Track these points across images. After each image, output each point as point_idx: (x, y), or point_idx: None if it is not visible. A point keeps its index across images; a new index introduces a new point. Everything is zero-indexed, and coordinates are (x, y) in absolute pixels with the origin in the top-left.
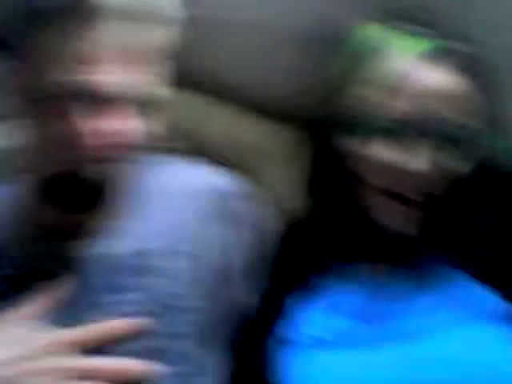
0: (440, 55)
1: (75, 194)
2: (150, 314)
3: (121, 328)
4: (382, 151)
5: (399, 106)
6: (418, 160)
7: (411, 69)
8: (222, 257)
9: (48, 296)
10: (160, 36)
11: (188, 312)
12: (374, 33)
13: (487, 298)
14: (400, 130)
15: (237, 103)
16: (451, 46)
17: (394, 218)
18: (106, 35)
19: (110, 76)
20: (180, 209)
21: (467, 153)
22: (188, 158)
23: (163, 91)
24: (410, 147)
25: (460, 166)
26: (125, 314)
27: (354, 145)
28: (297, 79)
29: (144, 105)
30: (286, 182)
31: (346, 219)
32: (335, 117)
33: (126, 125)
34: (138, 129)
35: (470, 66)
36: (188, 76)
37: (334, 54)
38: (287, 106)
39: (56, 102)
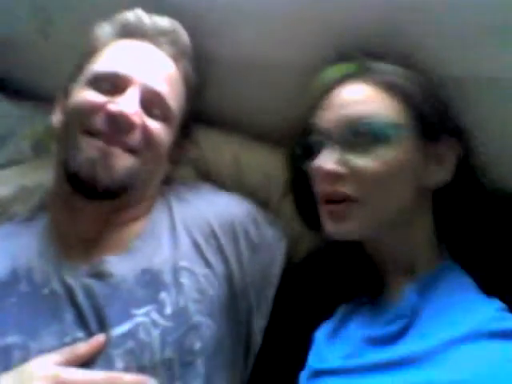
0: (356, 74)
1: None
2: (160, 327)
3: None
4: (314, 162)
5: (326, 118)
6: (328, 158)
7: (334, 87)
8: (238, 277)
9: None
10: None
11: (197, 328)
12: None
13: (492, 312)
14: (320, 138)
15: (255, 135)
16: (372, 66)
17: (331, 221)
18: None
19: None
20: (198, 231)
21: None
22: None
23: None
24: (326, 150)
25: (372, 163)
26: (136, 328)
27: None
28: None
29: (169, 119)
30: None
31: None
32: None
33: (130, 106)
34: (160, 132)
35: (391, 79)
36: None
37: None
38: None
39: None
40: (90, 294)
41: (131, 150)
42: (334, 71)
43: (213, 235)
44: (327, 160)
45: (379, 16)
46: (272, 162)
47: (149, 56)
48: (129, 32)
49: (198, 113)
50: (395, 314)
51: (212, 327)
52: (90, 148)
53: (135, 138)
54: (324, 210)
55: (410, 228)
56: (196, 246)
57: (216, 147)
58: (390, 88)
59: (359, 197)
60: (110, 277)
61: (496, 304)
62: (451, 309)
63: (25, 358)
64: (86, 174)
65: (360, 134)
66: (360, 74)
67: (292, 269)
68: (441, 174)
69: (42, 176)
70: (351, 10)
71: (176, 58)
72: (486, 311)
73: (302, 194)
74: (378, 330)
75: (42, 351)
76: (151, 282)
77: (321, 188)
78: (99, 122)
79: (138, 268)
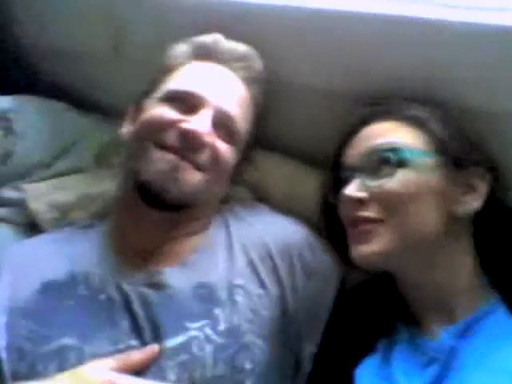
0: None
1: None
2: (213, 343)
3: None
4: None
5: (352, 153)
6: (352, 187)
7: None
8: (291, 301)
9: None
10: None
11: (249, 348)
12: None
13: None
14: (352, 169)
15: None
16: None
17: (357, 245)
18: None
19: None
20: (254, 250)
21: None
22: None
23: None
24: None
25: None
26: (190, 342)
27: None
28: None
29: (237, 141)
30: None
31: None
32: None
33: (204, 126)
34: (228, 153)
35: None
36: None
37: None
38: None
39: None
40: (145, 303)
41: (199, 168)
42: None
43: (269, 256)
44: (350, 188)
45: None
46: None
47: (223, 79)
48: (205, 54)
49: (258, 136)
50: (431, 356)
51: (263, 348)
52: (161, 160)
53: (204, 156)
54: (350, 234)
55: (444, 257)
56: (252, 265)
57: (272, 171)
58: (413, 122)
59: (383, 217)
60: (166, 288)
61: None
62: (494, 356)
63: (79, 361)
64: (156, 185)
65: (383, 161)
66: (386, 113)
67: (341, 298)
68: (471, 202)
69: (102, 186)
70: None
71: (248, 82)
72: None
73: (335, 229)
74: (416, 376)
75: (95, 355)
76: (206, 297)
77: (346, 214)
78: (172, 137)
79: (193, 282)
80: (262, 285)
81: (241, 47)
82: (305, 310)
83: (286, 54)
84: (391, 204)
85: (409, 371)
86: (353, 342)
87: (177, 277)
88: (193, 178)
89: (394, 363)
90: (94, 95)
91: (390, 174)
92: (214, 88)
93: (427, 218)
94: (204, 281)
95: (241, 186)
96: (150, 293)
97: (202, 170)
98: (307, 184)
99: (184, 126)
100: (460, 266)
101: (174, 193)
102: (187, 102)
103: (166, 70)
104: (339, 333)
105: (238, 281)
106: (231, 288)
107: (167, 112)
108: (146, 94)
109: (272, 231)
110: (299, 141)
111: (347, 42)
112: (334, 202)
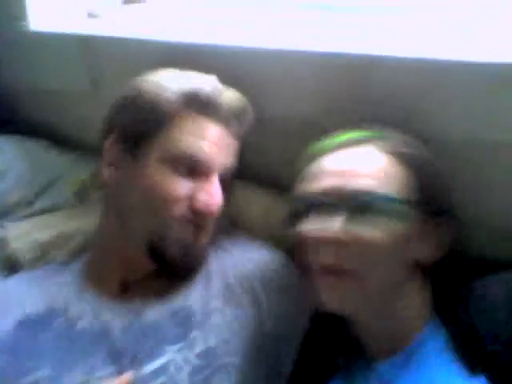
0: (363, 140)
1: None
2: (190, 364)
3: None
4: (307, 226)
5: (319, 185)
6: (330, 224)
7: (332, 152)
8: (268, 322)
9: None
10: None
11: (226, 368)
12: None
13: None
14: (318, 203)
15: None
16: (379, 134)
17: (328, 293)
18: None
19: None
20: (232, 274)
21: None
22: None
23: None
24: (325, 216)
25: (376, 233)
26: (168, 365)
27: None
28: None
29: (227, 184)
30: None
31: None
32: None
33: (216, 194)
34: (224, 204)
35: (400, 150)
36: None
37: None
38: None
39: (170, 167)
40: (124, 331)
41: (205, 226)
42: (343, 136)
43: (246, 280)
44: (330, 226)
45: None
46: None
47: (223, 138)
48: (205, 110)
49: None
50: None
51: (240, 369)
52: (182, 231)
53: (214, 218)
54: (321, 280)
55: (401, 299)
56: (229, 287)
57: (249, 200)
58: (396, 156)
59: (357, 268)
60: (144, 316)
61: None
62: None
63: None
64: (178, 255)
65: (365, 206)
66: (367, 140)
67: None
68: (435, 251)
69: (81, 222)
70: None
71: (241, 134)
72: None
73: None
74: None
75: None
76: (183, 321)
77: (320, 257)
78: (186, 210)
79: (171, 308)
80: (240, 306)
81: (238, 102)
82: (281, 330)
83: (261, 88)
84: (371, 255)
85: None
86: (321, 361)
87: (155, 305)
88: (205, 240)
89: None
90: (73, 133)
91: (372, 221)
92: (218, 150)
93: (396, 267)
94: (182, 306)
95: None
96: (128, 322)
97: (207, 228)
98: (283, 212)
99: (200, 201)
100: (414, 303)
101: (195, 264)
102: (194, 167)
103: (161, 117)
104: (309, 352)
105: (215, 303)
106: (208, 311)
107: (176, 183)
108: (134, 136)
109: (249, 257)
110: (274, 170)
111: (318, 78)
112: (297, 237)
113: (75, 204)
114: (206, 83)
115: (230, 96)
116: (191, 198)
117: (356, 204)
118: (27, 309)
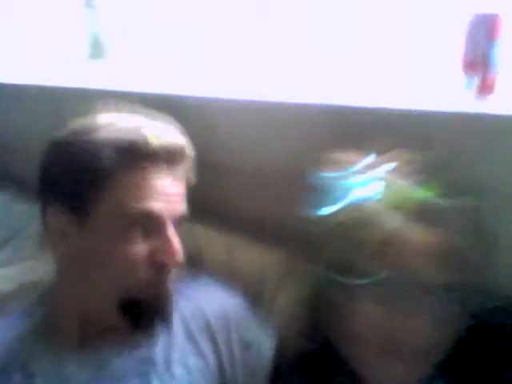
0: (428, 212)
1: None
2: None
3: None
4: (371, 306)
5: (387, 262)
6: (413, 318)
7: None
8: (229, 370)
9: None
10: (188, 175)
11: None
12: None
13: None
14: (389, 285)
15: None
16: (441, 203)
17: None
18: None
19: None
20: (194, 322)
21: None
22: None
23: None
24: (400, 305)
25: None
26: None
27: (342, 296)
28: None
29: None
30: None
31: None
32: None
33: (177, 246)
34: (181, 252)
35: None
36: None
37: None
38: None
39: (124, 229)
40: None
41: None
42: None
43: (207, 327)
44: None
45: None
46: (265, 259)
47: (169, 185)
48: (142, 160)
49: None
50: None
51: None
52: (150, 281)
53: None
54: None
55: None
56: (191, 337)
57: (209, 243)
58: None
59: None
60: (108, 368)
61: None
62: None
63: None
64: (153, 302)
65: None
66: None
67: (283, 366)
68: None
69: (43, 274)
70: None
71: (186, 173)
72: None
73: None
74: None
75: None
76: (145, 373)
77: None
78: (149, 269)
79: (134, 359)
80: (201, 356)
81: (176, 142)
82: (242, 379)
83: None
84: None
85: None
86: None
87: (118, 357)
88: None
89: None
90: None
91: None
92: (169, 202)
93: None
94: (144, 356)
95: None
96: (91, 375)
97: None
98: (244, 254)
99: (161, 260)
100: None
101: (167, 304)
102: (149, 224)
103: (102, 173)
104: None
105: (176, 354)
106: (169, 362)
107: (137, 250)
108: (75, 195)
109: (210, 303)
110: (235, 214)
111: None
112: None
113: (38, 254)
114: (139, 131)
115: (166, 139)
116: (152, 258)
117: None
118: None
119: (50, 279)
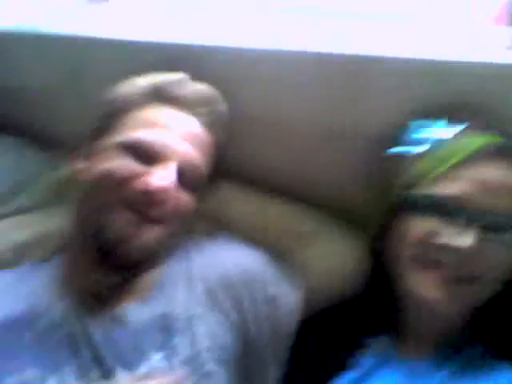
0: (495, 151)
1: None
2: (173, 372)
3: None
4: (427, 224)
5: (457, 188)
6: (464, 236)
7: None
8: (252, 327)
9: None
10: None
11: (210, 376)
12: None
13: None
14: (454, 208)
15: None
16: (504, 143)
17: (430, 286)
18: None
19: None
20: (215, 280)
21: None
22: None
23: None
24: (458, 225)
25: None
26: (151, 372)
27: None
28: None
29: (200, 187)
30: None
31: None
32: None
33: (167, 181)
34: (190, 204)
35: None
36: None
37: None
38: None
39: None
40: (107, 338)
41: (159, 220)
42: (470, 143)
43: (230, 284)
44: (462, 241)
45: None
46: (292, 215)
47: (187, 126)
48: (168, 98)
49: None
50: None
51: (224, 376)
52: (124, 221)
53: (165, 208)
54: (425, 273)
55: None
56: (212, 294)
57: (234, 201)
58: None
59: (480, 278)
60: (126, 323)
61: None
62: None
63: None
64: (119, 248)
65: (500, 226)
66: (500, 152)
67: (310, 320)
68: None
69: (59, 222)
70: None
71: (212, 126)
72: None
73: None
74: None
75: None
76: (166, 328)
77: (442, 258)
78: (135, 192)
79: (153, 314)
80: (223, 312)
81: (205, 91)
82: (267, 335)
83: (243, 91)
84: (494, 268)
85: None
86: (328, 359)
87: (136, 312)
88: (154, 234)
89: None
90: (54, 132)
91: (503, 238)
92: (179, 137)
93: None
94: (164, 312)
95: (203, 218)
96: (110, 327)
97: (162, 222)
98: (269, 212)
99: (147, 182)
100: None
101: (139, 256)
102: (150, 153)
103: (123, 109)
104: (308, 354)
105: (197, 310)
106: (190, 317)
107: (129, 164)
108: (101, 130)
109: (233, 260)
110: (261, 171)
111: (296, 80)
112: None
113: (54, 203)
114: (172, 77)
115: (197, 87)
116: (142, 178)
117: (491, 222)
118: (7, 311)
119: (65, 227)
